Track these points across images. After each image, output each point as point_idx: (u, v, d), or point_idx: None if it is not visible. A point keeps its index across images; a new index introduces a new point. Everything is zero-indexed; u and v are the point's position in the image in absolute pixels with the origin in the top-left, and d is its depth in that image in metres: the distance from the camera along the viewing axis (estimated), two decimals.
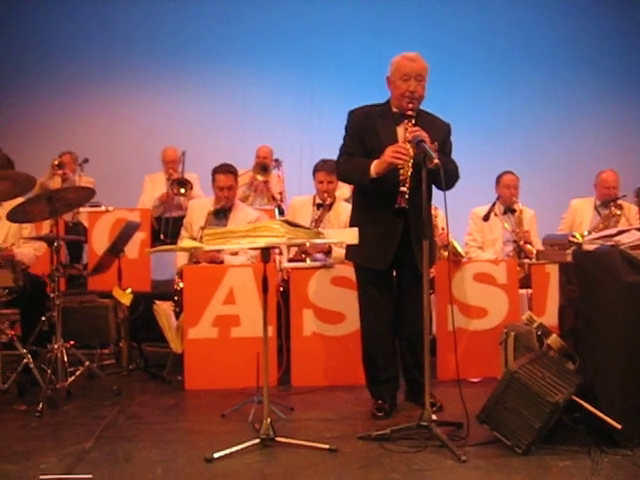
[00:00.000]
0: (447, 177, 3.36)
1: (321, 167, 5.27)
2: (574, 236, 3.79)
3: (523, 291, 4.95)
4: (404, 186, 3.43)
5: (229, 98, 8.18)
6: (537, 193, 6.22)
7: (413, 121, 3.56)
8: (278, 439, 3.30)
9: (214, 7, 8.22)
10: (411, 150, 3.45)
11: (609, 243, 3.64)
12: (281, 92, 8.28)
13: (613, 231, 3.96)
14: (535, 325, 3.81)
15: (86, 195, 4.30)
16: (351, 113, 3.86)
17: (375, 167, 3.58)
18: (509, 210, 5.69)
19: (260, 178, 6.68)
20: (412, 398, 4.05)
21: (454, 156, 3.87)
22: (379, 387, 3.94)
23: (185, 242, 3.20)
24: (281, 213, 5.33)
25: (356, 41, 8.24)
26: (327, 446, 3.25)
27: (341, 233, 3.51)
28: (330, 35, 8.26)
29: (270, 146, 6.99)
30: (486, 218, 5.36)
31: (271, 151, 6.96)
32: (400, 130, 3.69)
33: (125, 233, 4.70)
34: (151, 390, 4.49)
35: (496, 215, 5.44)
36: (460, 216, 5.72)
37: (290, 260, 5.07)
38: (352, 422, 3.74)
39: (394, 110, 3.77)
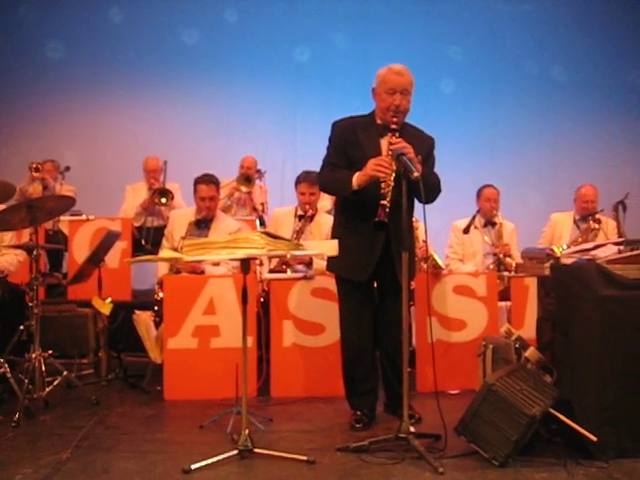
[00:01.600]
0: (428, 190, 3.45)
1: (303, 179, 5.27)
2: (552, 250, 3.83)
3: (502, 304, 4.99)
4: (384, 199, 3.44)
5: (213, 108, 8.21)
6: (519, 206, 6.27)
7: (397, 134, 3.57)
8: (256, 450, 3.29)
9: (200, 17, 8.25)
10: (393, 163, 3.48)
11: (586, 257, 3.69)
12: (265, 103, 8.31)
13: (590, 245, 4.02)
14: (513, 338, 3.85)
15: (66, 204, 4.29)
16: (335, 124, 3.88)
17: (357, 179, 3.60)
18: (489, 223, 5.74)
19: (244, 189, 6.69)
20: (391, 410, 4.05)
21: (437, 169, 3.90)
22: (358, 399, 3.95)
23: (165, 252, 3.20)
24: (262, 224, 5.33)
25: (341, 52, 8.29)
26: (305, 458, 3.25)
27: (321, 245, 3.53)
28: (315, 46, 8.32)
29: (254, 156, 7.00)
30: (466, 231, 5.40)
31: (255, 161, 6.98)
32: (384, 142, 3.71)
33: (105, 242, 4.69)
34: (130, 400, 4.47)
35: (476, 228, 5.49)
36: (441, 229, 5.82)
37: (271, 271, 5.07)
38: (331, 433, 3.74)
39: (378, 122, 3.79)
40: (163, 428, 3.95)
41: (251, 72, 8.22)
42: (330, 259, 3.91)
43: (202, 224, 5.15)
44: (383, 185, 3.49)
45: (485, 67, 8.51)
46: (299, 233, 5.25)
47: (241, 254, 3.08)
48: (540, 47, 8.56)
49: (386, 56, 7.71)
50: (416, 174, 3.28)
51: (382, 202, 3.43)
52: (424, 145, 3.77)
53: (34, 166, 6.41)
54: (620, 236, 5.90)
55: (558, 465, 3.20)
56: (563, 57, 8.58)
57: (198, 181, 5.21)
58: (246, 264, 3.29)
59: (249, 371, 4.40)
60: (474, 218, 5.45)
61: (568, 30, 8.57)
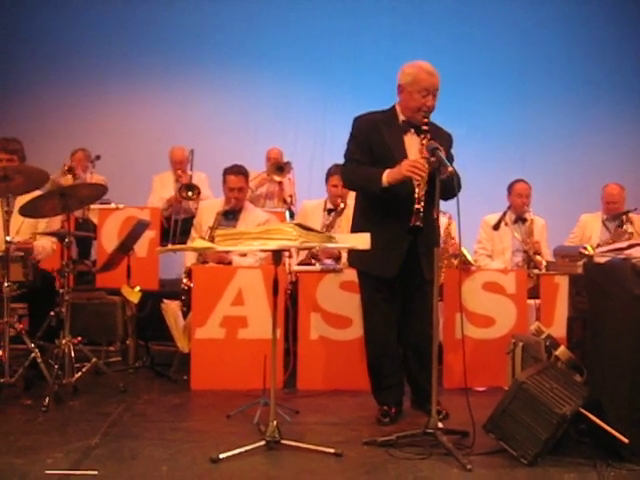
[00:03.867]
0: (450, 189, 3.46)
1: (335, 171, 5.22)
2: (585, 248, 3.78)
3: (531, 301, 4.94)
4: (419, 204, 3.44)
5: (242, 99, 8.21)
6: (548, 204, 6.19)
7: (429, 135, 3.55)
8: (284, 442, 3.29)
9: (230, 7, 8.26)
10: (427, 166, 3.45)
11: (620, 256, 3.65)
12: (294, 95, 8.31)
13: (624, 244, 3.96)
14: (543, 336, 3.82)
15: (98, 192, 4.31)
16: (357, 120, 3.84)
17: (388, 177, 3.58)
18: (520, 219, 5.67)
19: (277, 178, 6.67)
20: (418, 405, 4.03)
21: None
22: (384, 393, 3.94)
23: (197, 242, 3.21)
24: (292, 216, 5.32)
25: (371, 47, 8.27)
26: (332, 450, 3.25)
27: (352, 238, 3.50)
28: (345, 40, 8.31)
29: (280, 148, 7.00)
30: (496, 227, 5.35)
31: (281, 153, 6.97)
32: (407, 139, 3.73)
33: (135, 231, 4.72)
34: (157, 389, 4.50)
35: (506, 224, 5.42)
36: (471, 224, 5.73)
37: (300, 263, 5.07)
38: (357, 427, 3.74)
39: (402, 118, 3.77)
40: (190, 417, 3.99)
41: (281, 64, 8.23)
42: (353, 254, 3.90)
43: (230, 215, 5.17)
44: (417, 189, 3.47)
45: (514, 66, 8.43)
46: (329, 227, 5.23)
47: (274, 245, 3.08)
48: (571, 45, 8.46)
49: (417, 52, 7.77)
50: (450, 169, 3.29)
51: (416, 207, 3.43)
52: (445, 142, 3.74)
53: (66, 168, 6.46)
54: None
55: (587, 466, 3.17)
56: (593, 55, 8.46)
57: (227, 172, 5.22)
58: (278, 255, 3.30)
59: (277, 363, 4.48)
60: (505, 214, 5.40)
61: (600, 30, 8.46)
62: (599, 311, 3.55)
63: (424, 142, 3.54)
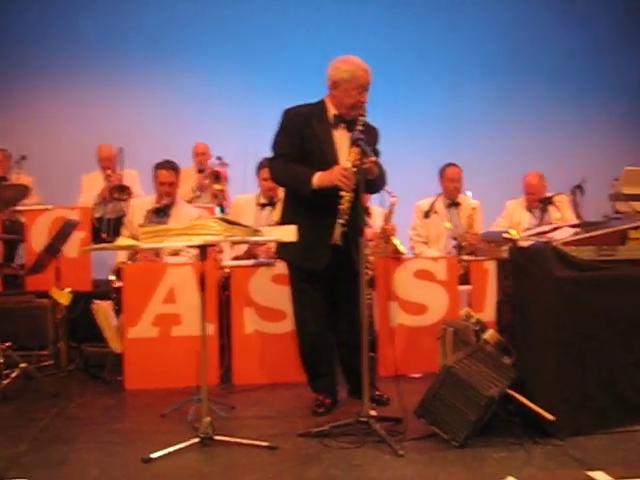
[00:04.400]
0: (379, 186, 3.75)
1: (266, 164, 5.15)
2: (509, 233, 3.87)
3: (464, 287, 5.03)
4: (342, 218, 3.52)
5: (171, 94, 8.06)
6: (479, 188, 6.27)
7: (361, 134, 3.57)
8: (217, 438, 3.28)
9: (153, 3, 8.12)
10: (355, 176, 3.50)
11: (543, 239, 3.74)
12: (226, 90, 8.20)
13: (547, 228, 4.07)
14: (472, 320, 3.88)
15: (22, 192, 4.22)
16: (287, 112, 3.81)
17: (318, 181, 3.59)
18: (453, 204, 5.73)
19: (217, 187, 6.57)
20: (355, 394, 4.05)
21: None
22: (318, 381, 3.97)
23: (121, 240, 3.16)
24: (222, 211, 5.28)
25: (298, 39, 8.26)
26: (266, 444, 3.26)
27: (278, 231, 3.50)
28: (273, 33, 8.25)
29: (206, 143, 6.95)
30: (427, 215, 5.38)
31: (208, 147, 6.90)
32: (337, 134, 3.75)
33: (63, 232, 4.60)
34: (90, 391, 4.42)
35: (436, 212, 5.44)
36: (405, 209, 5.78)
37: (235, 259, 5.04)
38: (292, 419, 3.75)
39: (333, 113, 3.77)
40: (124, 418, 3.93)
41: (211, 60, 8.14)
42: (282, 247, 3.89)
43: (161, 212, 5.10)
44: (342, 202, 3.52)
45: (448, 49, 8.55)
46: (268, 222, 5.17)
47: (198, 241, 3.06)
48: (503, 31, 8.62)
49: (342, 42, 7.81)
50: (373, 159, 3.43)
51: (339, 221, 3.53)
52: (372, 137, 3.79)
53: None
54: (578, 219, 5.99)
55: (516, 444, 3.24)
56: (524, 43, 8.65)
57: (158, 166, 5.18)
58: (204, 251, 3.27)
59: (211, 359, 4.43)
60: (435, 201, 5.41)
61: (526, 12, 8.66)
62: (525, 294, 3.65)
63: (352, 149, 3.58)
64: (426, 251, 5.60)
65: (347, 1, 8.45)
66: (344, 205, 3.55)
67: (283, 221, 3.92)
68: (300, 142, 3.72)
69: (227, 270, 4.71)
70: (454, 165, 5.74)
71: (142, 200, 5.40)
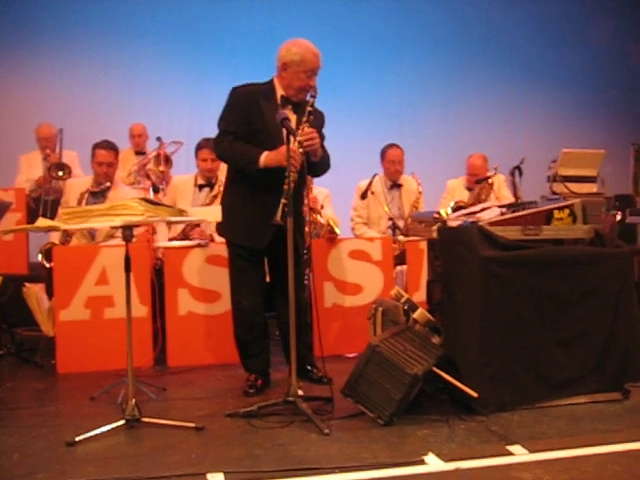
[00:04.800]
0: (322, 169, 3.86)
1: (204, 144, 5.15)
2: (439, 213, 3.90)
3: (401, 267, 5.07)
4: (286, 199, 3.48)
5: (113, 73, 7.93)
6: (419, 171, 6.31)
7: (310, 118, 3.64)
8: (144, 420, 3.28)
9: None
10: (301, 156, 3.56)
11: (471, 219, 3.79)
12: (169, 69, 8.12)
13: (477, 208, 4.11)
14: (403, 300, 3.91)
15: None
16: (235, 90, 3.81)
17: (265, 160, 3.62)
18: (395, 185, 5.73)
19: (161, 169, 6.47)
20: (299, 373, 4.07)
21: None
22: (251, 360, 3.98)
23: (40, 221, 3.11)
24: (156, 191, 5.22)
25: (245, 17, 8.20)
26: (193, 425, 3.26)
27: (204, 211, 3.50)
28: (219, 11, 8.17)
29: (142, 123, 6.86)
30: (363, 196, 5.38)
31: (144, 128, 6.81)
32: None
33: None
34: (21, 375, 4.36)
35: (373, 193, 5.44)
36: (349, 192, 5.79)
37: (171, 240, 4.99)
38: (223, 400, 3.75)
39: (280, 93, 3.79)
40: (52, 402, 3.87)
41: (155, 36, 8.03)
42: (223, 225, 3.89)
43: (99, 193, 5.04)
44: (287, 180, 3.49)
45: (394, 30, 8.58)
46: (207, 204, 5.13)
47: (119, 221, 3.03)
48: (452, 11, 8.69)
49: (294, 23, 7.77)
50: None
51: (283, 201, 3.49)
52: (319, 120, 3.86)
53: None
54: (517, 200, 6.08)
55: (441, 421, 3.31)
56: (472, 24, 8.73)
57: (96, 146, 5.13)
58: (128, 232, 3.24)
59: (145, 341, 4.45)
60: (370, 183, 5.40)
61: None
62: (452, 273, 3.69)
63: (303, 126, 3.63)
64: (366, 232, 5.60)
65: None
66: (288, 186, 3.53)
67: (225, 199, 3.93)
68: (247, 120, 3.72)
69: (158, 251, 4.67)
70: (395, 146, 5.70)
71: (79, 180, 5.32)
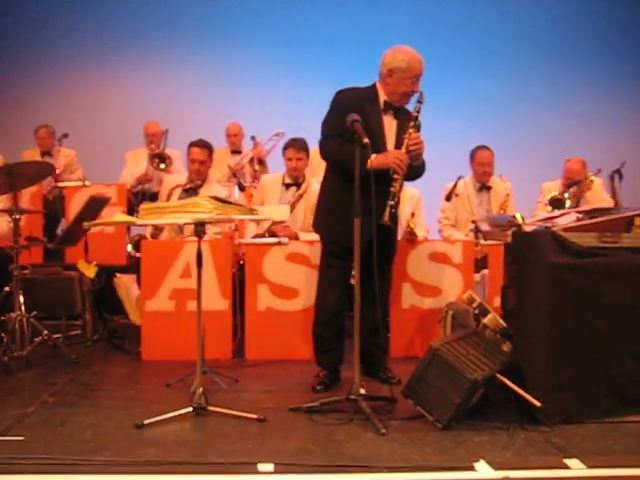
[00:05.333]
0: (419, 169, 3.92)
1: (290, 145, 5.29)
2: (514, 217, 3.83)
3: (484, 272, 5.00)
4: (393, 200, 3.65)
5: (217, 76, 8.23)
6: (510, 174, 6.18)
7: (417, 123, 3.78)
8: (210, 408, 3.40)
9: None
10: (408, 160, 3.71)
11: (547, 224, 3.69)
12: (266, 69, 8.31)
13: (556, 213, 4.01)
14: (475, 304, 3.87)
15: (46, 170, 4.41)
16: (340, 93, 3.91)
17: (374, 162, 3.66)
18: (484, 187, 5.66)
19: (256, 168, 6.69)
20: (369, 372, 4.11)
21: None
22: (325, 356, 4.04)
23: (118, 216, 3.30)
24: (242, 189, 5.38)
25: (345, 26, 8.30)
26: (255, 416, 3.35)
27: (272, 210, 3.60)
28: (320, 20, 8.32)
29: (238, 123, 7.06)
30: (448, 198, 5.34)
31: (241, 128, 7.01)
32: (386, 120, 3.89)
33: (90, 208, 4.76)
34: (109, 360, 4.64)
35: (457, 195, 5.39)
36: (432, 193, 5.76)
37: (256, 237, 5.14)
38: (291, 394, 3.83)
39: (383, 99, 3.88)
40: (132, 386, 4.09)
41: (256, 40, 8.26)
42: (319, 222, 3.99)
43: (191, 190, 5.25)
44: (395, 183, 3.68)
45: (482, 26, 8.47)
46: (294, 203, 5.24)
47: (187, 218, 3.17)
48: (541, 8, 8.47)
49: (388, 25, 7.79)
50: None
51: (390, 202, 3.67)
52: (409, 122, 3.87)
53: None
54: (616, 205, 5.85)
55: (501, 429, 3.24)
56: (568, 21, 8.47)
57: (192, 144, 5.34)
58: (199, 228, 3.37)
59: (225, 333, 4.63)
60: (455, 186, 5.36)
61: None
62: (524, 279, 3.61)
63: (411, 131, 3.75)
64: (454, 234, 5.56)
65: None
66: (396, 188, 3.70)
67: (323, 198, 4.04)
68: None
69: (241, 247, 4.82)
70: (485, 148, 5.64)
71: (175, 177, 5.58)
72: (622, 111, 8.37)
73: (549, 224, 3.68)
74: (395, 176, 3.71)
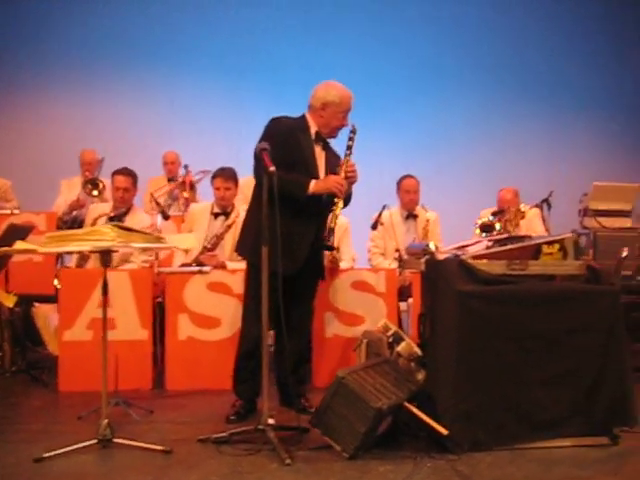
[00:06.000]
0: (349, 198, 4.03)
1: (218, 174, 5.27)
2: (428, 245, 3.85)
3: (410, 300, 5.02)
4: (333, 222, 3.78)
5: (155, 104, 8.21)
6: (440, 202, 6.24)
7: (350, 152, 3.89)
8: (116, 440, 3.33)
9: (142, 8, 8.27)
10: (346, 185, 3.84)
11: (458, 252, 3.73)
12: (210, 98, 8.33)
13: (470, 241, 4.05)
14: (390, 333, 3.88)
15: None
16: (275, 121, 3.93)
17: (314, 188, 3.80)
18: (411, 216, 5.72)
19: (186, 195, 6.66)
20: (286, 402, 4.09)
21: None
22: (243, 386, 4.00)
23: (17, 244, 3.24)
24: (165, 218, 5.33)
25: (283, 55, 8.38)
26: (161, 447, 3.30)
27: (179, 238, 3.57)
28: (261, 46, 8.38)
29: (175, 151, 7.05)
30: (374, 227, 5.37)
31: (177, 156, 7.00)
32: (317, 150, 3.98)
33: (8, 235, 4.66)
34: (26, 392, 4.53)
35: (382, 224, 5.41)
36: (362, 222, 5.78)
37: (182, 266, 5.09)
38: (205, 425, 3.76)
39: (314, 130, 3.97)
40: (42, 418, 3.97)
41: (196, 67, 8.26)
42: (247, 247, 3.94)
43: (116, 218, 5.19)
44: (335, 207, 3.81)
45: (429, 64, 8.60)
46: (222, 234, 5.21)
47: (89, 246, 3.13)
48: (484, 44, 8.63)
49: (326, 61, 7.87)
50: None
51: (332, 225, 3.79)
52: (337, 159, 4.01)
53: None
54: (547, 233, 5.94)
55: (408, 458, 3.24)
56: (500, 51, 8.65)
57: (114, 172, 5.33)
58: (105, 256, 3.33)
59: (144, 363, 4.56)
60: (380, 214, 5.38)
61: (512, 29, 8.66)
62: (435, 307, 3.63)
63: (348, 159, 3.88)
64: (382, 262, 5.58)
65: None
66: (337, 211, 3.82)
67: (251, 223, 3.94)
68: (285, 151, 3.80)
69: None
70: (410, 176, 5.70)
71: (100, 206, 5.52)
72: (551, 139, 8.57)
73: (460, 252, 3.72)
74: (336, 200, 3.81)
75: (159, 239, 3.39)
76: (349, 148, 3.89)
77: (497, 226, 5.72)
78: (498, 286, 3.46)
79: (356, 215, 5.51)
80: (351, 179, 3.88)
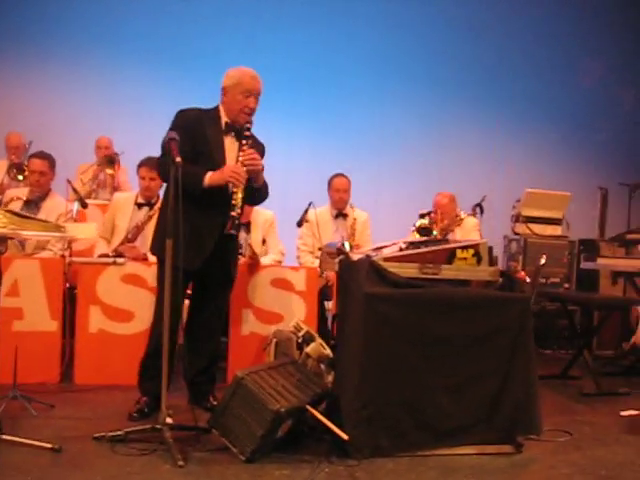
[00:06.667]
0: (262, 197, 3.97)
1: (144, 163, 5.13)
2: (342, 245, 3.79)
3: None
4: (234, 211, 3.63)
5: (87, 88, 7.99)
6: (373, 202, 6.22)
7: (250, 141, 3.76)
8: (3, 437, 3.19)
9: None
10: (245, 174, 3.67)
11: (372, 253, 3.66)
12: (148, 84, 8.16)
13: (387, 243, 3.99)
14: (301, 333, 3.81)
15: None
16: (181, 112, 3.84)
17: (210, 180, 3.66)
18: (341, 214, 5.68)
19: (108, 171, 6.53)
20: (195, 401, 3.99)
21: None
22: (148, 384, 3.87)
23: None
24: (84, 206, 5.17)
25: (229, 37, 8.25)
26: (50, 445, 3.16)
27: (78, 228, 3.44)
28: (206, 30, 8.23)
29: (108, 137, 6.88)
30: (299, 224, 5.30)
31: (110, 140, 6.83)
32: (227, 141, 3.84)
33: None
34: None
35: (307, 221, 5.32)
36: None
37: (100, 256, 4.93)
38: (106, 422, 3.61)
39: (225, 120, 3.83)
40: None
41: (119, 53, 8.11)
42: (157, 243, 3.83)
43: (32, 203, 5.05)
44: (234, 196, 3.66)
45: (368, 62, 8.55)
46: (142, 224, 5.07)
47: None
48: (426, 48, 8.62)
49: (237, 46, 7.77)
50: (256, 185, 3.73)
51: (232, 214, 3.64)
52: (259, 152, 3.88)
53: None
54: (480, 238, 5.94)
55: (307, 463, 3.16)
56: (447, 54, 8.64)
57: (31, 156, 5.22)
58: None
59: (52, 356, 4.41)
60: (306, 211, 5.31)
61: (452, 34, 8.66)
62: (345, 308, 3.58)
63: (244, 147, 3.74)
64: (309, 260, 5.51)
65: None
66: (237, 200, 3.67)
67: (163, 218, 3.81)
68: (191, 143, 3.71)
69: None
70: (342, 175, 5.66)
71: (17, 190, 5.34)
72: (488, 146, 8.60)
73: (375, 253, 3.66)
74: (234, 189, 3.68)
75: (58, 227, 3.25)
76: (246, 138, 3.75)
77: (434, 232, 5.70)
78: (405, 290, 3.40)
79: (291, 212, 5.49)
80: (249, 167, 3.71)
